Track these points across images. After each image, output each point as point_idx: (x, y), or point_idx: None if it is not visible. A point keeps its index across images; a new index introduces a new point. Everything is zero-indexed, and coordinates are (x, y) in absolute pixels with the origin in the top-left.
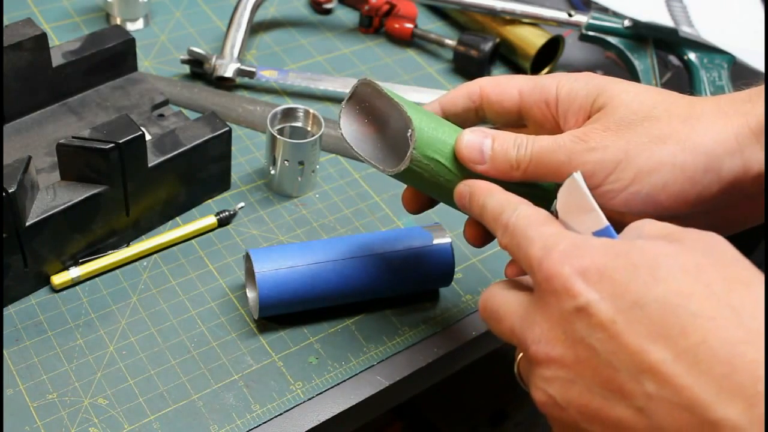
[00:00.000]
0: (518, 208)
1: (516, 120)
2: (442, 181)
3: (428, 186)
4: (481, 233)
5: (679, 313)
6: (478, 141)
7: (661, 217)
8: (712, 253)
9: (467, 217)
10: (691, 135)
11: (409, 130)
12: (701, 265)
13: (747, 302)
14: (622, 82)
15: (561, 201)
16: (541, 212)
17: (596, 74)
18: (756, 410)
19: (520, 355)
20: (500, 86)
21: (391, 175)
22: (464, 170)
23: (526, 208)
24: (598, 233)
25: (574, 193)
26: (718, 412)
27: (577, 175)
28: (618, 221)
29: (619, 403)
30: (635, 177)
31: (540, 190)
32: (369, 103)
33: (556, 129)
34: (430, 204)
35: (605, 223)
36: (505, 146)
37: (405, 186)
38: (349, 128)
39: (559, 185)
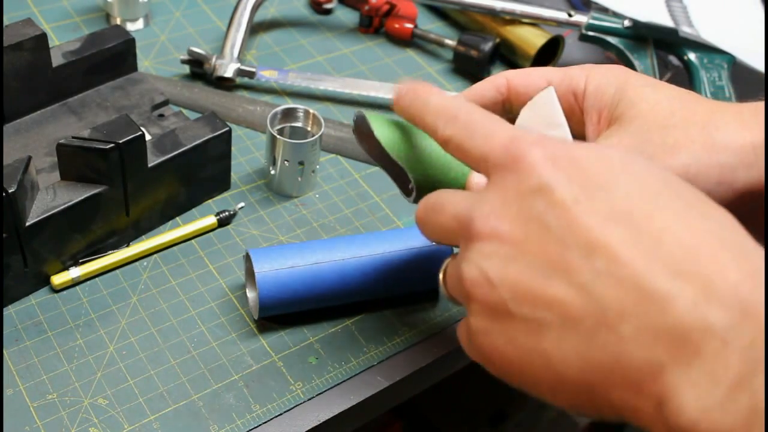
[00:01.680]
0: (470, 105)
1: None
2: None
3: None
4: None
5: (648, 202)
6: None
7: None
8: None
9: None
10: (706, 145)
11: (410, 184)
12: (676, 179)
13: (717, 216)
14: (645, 86)
15: (525, 115)
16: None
17: (625, 69)
18: (713, 289)
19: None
20: (528, 77)
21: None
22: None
23: (481, 108)
24: None
25: (545, 106)
26: (668, 288)
27: (553, 89)
28: None
29: (560, 280)
30: None
31: None
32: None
33: (580, 120)
34: None
35: (570, 139)
36: None
37: None
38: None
39: None
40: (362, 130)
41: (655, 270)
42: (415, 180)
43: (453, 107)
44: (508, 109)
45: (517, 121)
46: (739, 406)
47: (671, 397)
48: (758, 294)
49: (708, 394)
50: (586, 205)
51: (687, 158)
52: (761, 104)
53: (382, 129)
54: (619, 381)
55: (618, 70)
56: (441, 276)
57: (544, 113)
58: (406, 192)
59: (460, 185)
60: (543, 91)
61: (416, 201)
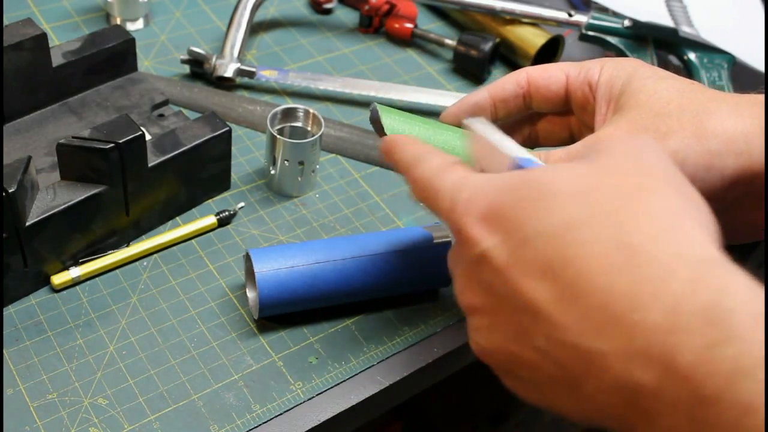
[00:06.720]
0: (425, 159)
1: (562, 105)
2: None
3: None
4: None
5: (565, 242)
6: None
7: None
8: (625, 161)
9: None
10: (697, 131)
11: None
12: (597, 185)
13: (637, 214)
14: (649, 78)
15: (472, 152)
16: (449, 159)
17: (636, 62)
18: (634, 343)
19: None
20: (547, 71)
21: None
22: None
23: (434, 158)
24: (515, 168)
25: (476, 138)
26: (598, 348)
27: (472, 121)
28: None
29: (527, 346)
30: None
31: None
32: None
33: (594, 110)
34: None
35: (515, 154)
36: None
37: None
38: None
39: None
40: (377, 123)
41: (583, 329)
42: None
43: (413, 167)
44: (528, 103)
45: (471, 158)
46: None
47: None
48: (679, 338)
49: None
50: (515, 268)
51: (676, 144)
52: (760, 96)
53: (390, 120)
54: (610, 424)
55: (629, 63)
56: None
57: (481, 146)
58: None
59: None
60: (467, 128)
61: None
